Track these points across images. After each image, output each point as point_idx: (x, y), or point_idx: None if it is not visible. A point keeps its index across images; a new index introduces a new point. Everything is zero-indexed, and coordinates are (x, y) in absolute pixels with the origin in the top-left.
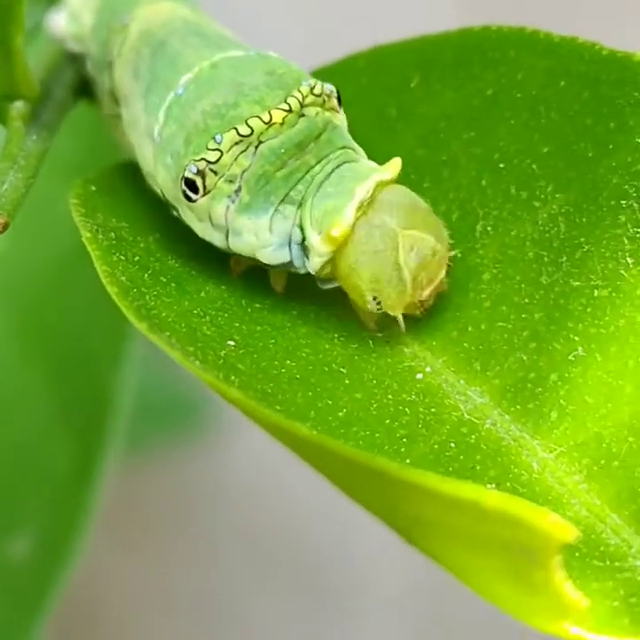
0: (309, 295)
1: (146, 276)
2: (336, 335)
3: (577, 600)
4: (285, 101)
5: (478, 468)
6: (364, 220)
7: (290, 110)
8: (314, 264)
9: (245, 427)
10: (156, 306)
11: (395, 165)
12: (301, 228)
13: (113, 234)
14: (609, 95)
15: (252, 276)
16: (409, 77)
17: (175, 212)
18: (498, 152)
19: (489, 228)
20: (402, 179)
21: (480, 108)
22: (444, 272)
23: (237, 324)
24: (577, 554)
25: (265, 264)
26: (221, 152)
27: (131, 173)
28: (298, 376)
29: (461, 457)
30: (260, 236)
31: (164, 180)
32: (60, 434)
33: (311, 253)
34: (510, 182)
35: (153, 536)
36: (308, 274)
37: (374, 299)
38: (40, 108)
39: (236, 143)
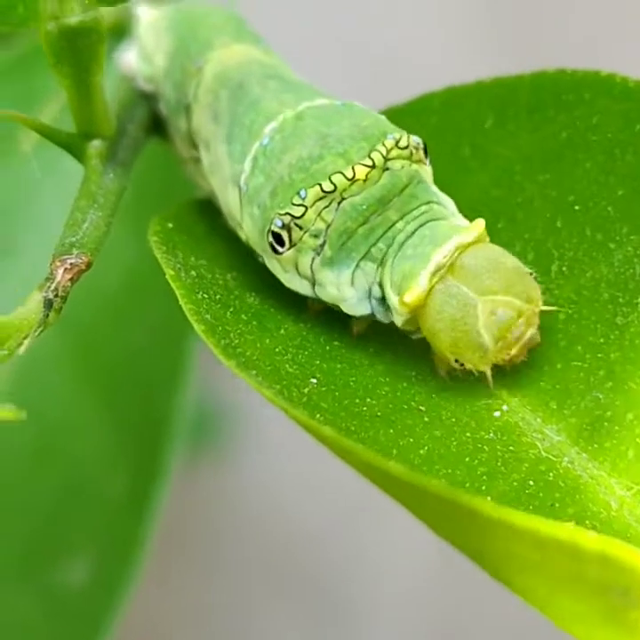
0: (385, 334)
1: (228, 313)
2: (413, 373)
3: None
4: (369, 156)
5: (557, 505)
6: (441, 286)
7: (373, 166)
8: (397, 321)
9: (257, 443)
10: (240, 344)
11: (477, 227)
12: (381, 286)
13: (193, 272)
14: None
15: (328, 314)
16: (483, 118)
17: (260, 259)
18: (573, 194)
19: (564, 269)
20: (476, 218)
21: (555, 151)
22: (533, 329)
23: (318, 362)
24: None
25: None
26: (306, 207)
27: (204, 210)
28: (379, 413)
29: (541, 494)
30: (341, 290)
31: (250, 230)
32: (116, 459)
33: (393, 311)
34: (585, 224)
35: (177, 547)
36: None
37: (456, 360)
38: (116, 145)
39: (320, 199)
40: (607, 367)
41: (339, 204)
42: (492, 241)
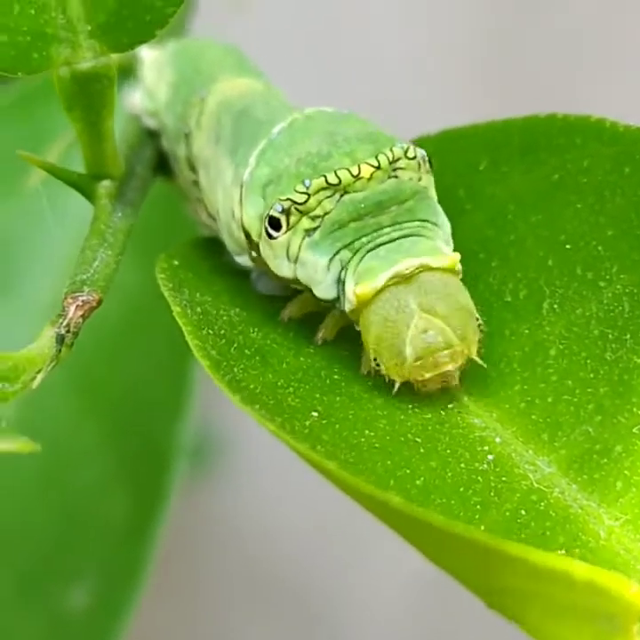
0: None
1: (232, 349)
2: (410, 406)
3: None
4: (376, 157)
5: (548, 534)
6: (392, 288)
7: (378, 167)
8: (345, 306)
9: (247, 467)
10: (243, 378)
11: (451, 257)
12: (345, 272)
13: (199, 308)
14: None
15: (325, 348)
16: (477, 160)
17: (254, 253)
18: (564, 234)
19: (555, 306)
20: (470, 257)
21: (547, 192)
22: (453, 367)
23: (318, 395)
24: None
25: (319, 301)
26: (308, 195)
27: (208, 248)
28: (377, 445)
29: (532, 524)
30: (318, 273)
31: (249, 218)
32: (117, 486)
33: (346, 298)
34: (576, 263)
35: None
36: None
37: (375, 359)
38: (125, 186)
39: (323, 189)
40: (596, 401)
41: (340, 196)
42: (485, 278)
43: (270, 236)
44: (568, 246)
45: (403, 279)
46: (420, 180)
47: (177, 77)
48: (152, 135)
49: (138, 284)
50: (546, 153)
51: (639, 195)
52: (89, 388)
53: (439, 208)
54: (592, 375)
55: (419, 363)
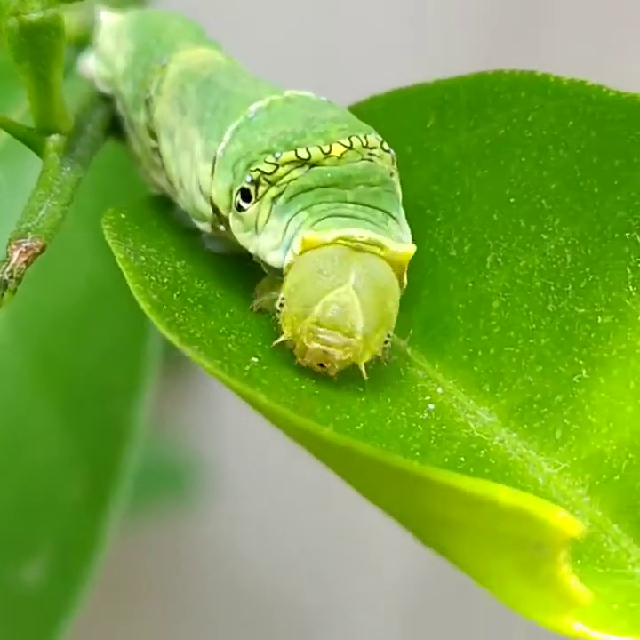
0: None
1: (174, 296)
2: None
3: (581, 593)
4: (349, 138)
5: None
6: (339, 249)
7: (350, 147)
8: (287, 258)
9: (228, 494)
10: (184, 322)
11: (406, 247)
12: (300, 227)
13: (143, 257)
14: (614, 134)
15: None
16: (425, 118)
17: (222, 227)
18: (509, 188)
19: (499, 260)
20: (417, 213)
21: (492, 147)
22: (338, 357)
23: (260, 343)
24: (579, 561)
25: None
26: (277, 166)
27: (157, 206)
28: (317, 392)
29: (471, 470)
30: (277, 237)
31: (219, 193)
32: (73, 464)
33: (291, 249)
34: (520, 216)
35: (143, 600)
36: None
37: (281, 305)
38: (74, 142)
39: (293, 161)
40: (538, 352)
41: (310, 167)
42: (430, 233)
43: (240, 208)
44: (512, 200)
45: (352, 246)
46: (391, 174)
47: (137, 47)
48: (106, 99)
49: (98, 261)
50: (492, 109)
51: (582, 148)
52: (45, 365)
53: (402, 210)
54: (534, 326)
55: (315, 327)
